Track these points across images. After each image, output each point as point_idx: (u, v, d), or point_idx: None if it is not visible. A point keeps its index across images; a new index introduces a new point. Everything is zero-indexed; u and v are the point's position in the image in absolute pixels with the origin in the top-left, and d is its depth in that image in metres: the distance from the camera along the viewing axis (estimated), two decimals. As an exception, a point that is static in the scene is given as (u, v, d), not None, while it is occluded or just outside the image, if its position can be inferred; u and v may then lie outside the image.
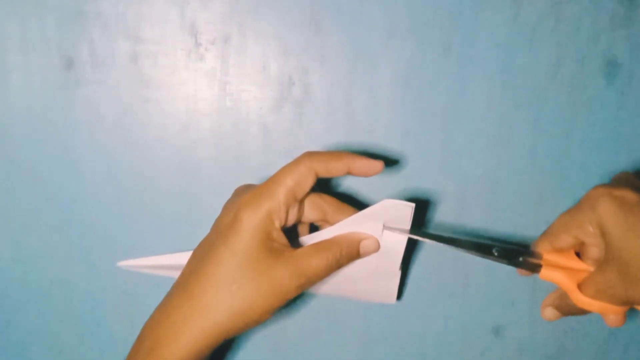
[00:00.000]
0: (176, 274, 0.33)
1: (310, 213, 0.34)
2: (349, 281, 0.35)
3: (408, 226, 0.33)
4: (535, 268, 0.33)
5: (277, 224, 0.31)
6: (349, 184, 0.40)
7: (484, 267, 0.41)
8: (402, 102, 0.39)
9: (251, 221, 0.30)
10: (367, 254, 0.33)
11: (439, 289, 0.41)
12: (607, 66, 0.39)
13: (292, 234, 0.35)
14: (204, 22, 0.37)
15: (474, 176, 0.40)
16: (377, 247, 0.33)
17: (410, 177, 0.40)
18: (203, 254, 0.31)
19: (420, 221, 0.40)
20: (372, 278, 0.35)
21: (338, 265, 0.32)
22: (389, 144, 0.39)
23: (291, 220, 0.32)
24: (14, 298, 0.40)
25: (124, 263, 0.38)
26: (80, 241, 0.39)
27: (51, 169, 0.38)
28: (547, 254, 0.33)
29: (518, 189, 0.40)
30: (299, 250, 0.31)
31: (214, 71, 0.38)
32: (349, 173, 0.32)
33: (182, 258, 0.33)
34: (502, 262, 0.33)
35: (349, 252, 0.32)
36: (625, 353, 0.42)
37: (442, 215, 0.40)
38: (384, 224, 0.33)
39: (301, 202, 0.33)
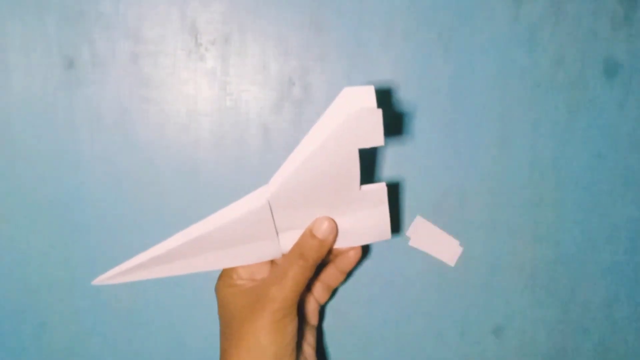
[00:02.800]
0: (157, 271, 0.32)
1: None
2: (343, 237, 0.33)
3: (382, 140, 0.28)
4: None
5: (235, 277, 0.33)
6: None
7: (484, 267, 0.41)
8: (402, 102, 0.39)
9: (219, 290, 0.33)
10: (330, 242, 0.32)
11: (439, 289, 0.41)
12: (607, 66, 0.39)
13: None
14: (204, 22, 0.37)
15: (474, 176, 0.40)
16: (334, 229, 0.32)
17: (411, 177, 0.40)
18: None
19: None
20: (363, 220, 0.33)
21: (311, 271, 0.31)
22: (388, 144, 0.39)
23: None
24: (13, 298, 0.40)
25: (98, 280, 0.35)
26: (80, 241, 0.39)
27: (51, 169, 0.38)
28: None
29: (518, 189, 0.40)
30: (264, 285, 0.31)
31: (214, 71, 0.38)
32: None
33: (155, 250, 0.32)
34: None
35: (314, 259, 0.31)
36: (625, 353, 0.42)
37: (442, 215, 0.40)
38: (358, 144, 0.28)
39: None
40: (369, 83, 0.38)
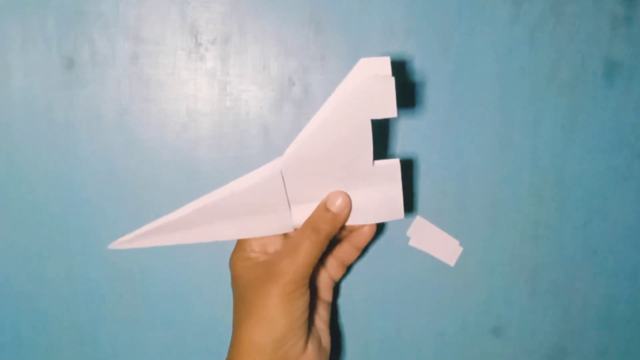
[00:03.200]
0: (171, 238, 0.33)
1: None
2: (355, 213, 0.33)
3: (394, 110, 0.28)
4: None
5: (249, 250, 0.33)
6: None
7: (484, 267, 0.41)
8: (402, 102, 0.39)
9: (233, 262, 0.33)
10: (344, 217, 0.32)
11: (439, 289, 0.41)
12: (607, 66, 0.39)
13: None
14: (204, 22, 0.37)
15: (474, 176, 0.40)
16: (348, 203, 0.32)
17: (411, 178, 0.40)
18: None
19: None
20: (376, 197, 0.32)
21: (324, 245, 0.31)
22: (388, 144, 0.39)
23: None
24: (13, 298, 0.40)
25: (114, 244, 0.34)
26: (81, 241, 0.39)
27: (51, 169, 0.38)
28: None
29: (518, 189, 0.40)
30: (276, 258, 0.31)
31: (214, 71, 0.38)
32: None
33: (170, 216, 0.32)
34: None
35: (328, 232, 0.31)
36: (625, 353, 0.42)
37: (442, 216, 0.40)
38: (370, 114, 0.28)
39: None
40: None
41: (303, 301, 0.31)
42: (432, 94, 0.39)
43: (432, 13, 0.38)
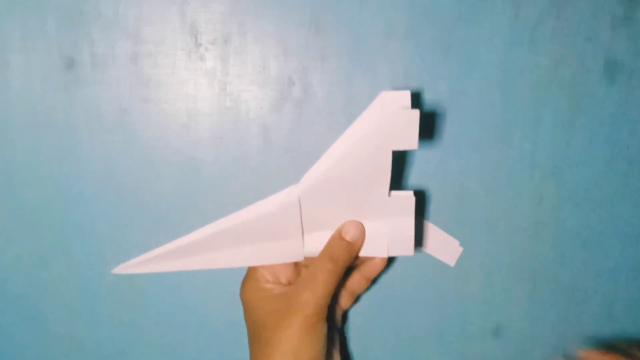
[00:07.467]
0: (179, 264, 0.33)
1: None
2: (368, 244, 0.33)
3: (415, 142, 0.29)
4: None
5: (262, 280, 0.32)
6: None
7: (484, 267, 0.41)
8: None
9: (245, 295, 0.33)
10: (359, 246, 0.32)
11: (439, 289, 0.41)
12: (607, 66, 0.39)
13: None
14: (204, 22, 0.37)
15: (474, 176, 0.40)
16: (363, 232, 0.32)
17: (410, 178, 0.40)
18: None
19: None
20: (388, 230, 0.33)
21: (341, 274, 0.31)
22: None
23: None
24: (13, 298, 0.40)
25: (118, 269, 0.35)
26: (80, 241, 0.39)
27: (51, 169, 0.38)
28: None
29: (518, 189, 0.40)
30: (295, 290, 0.31)
31: (214, 71, 0.38)
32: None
33: (178, 242, 0.33)
34: None
35: (344, 261, 0.31)
36: (625, 353, 0.42)
37: (442, 216, 0.40)
38: (392, 145, 0.29)
39: None
40: (369, 82, 0.38)
41: (325, 332, 0.31)
42: (432, 94, 0.39)
43: (432, 13, 0.38)
